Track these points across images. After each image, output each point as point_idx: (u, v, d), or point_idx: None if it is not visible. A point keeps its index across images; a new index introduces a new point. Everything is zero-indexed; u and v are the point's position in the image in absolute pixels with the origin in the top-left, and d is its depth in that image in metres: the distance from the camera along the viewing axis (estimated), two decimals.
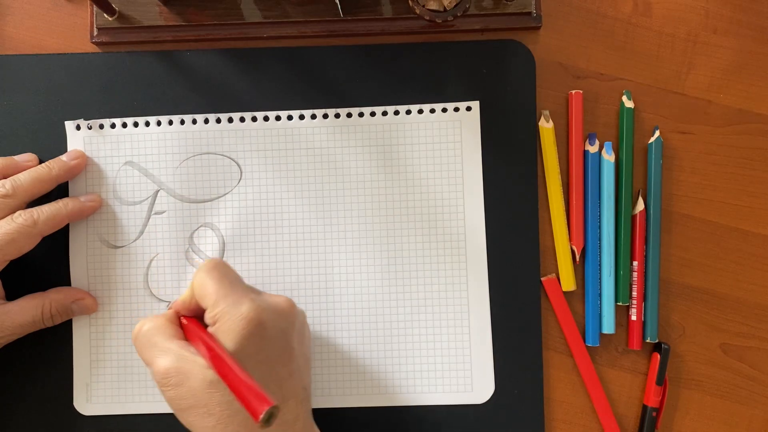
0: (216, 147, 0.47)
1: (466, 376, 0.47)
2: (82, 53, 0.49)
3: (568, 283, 0.47)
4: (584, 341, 0.47)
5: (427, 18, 0.43)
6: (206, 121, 0.47)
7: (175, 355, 0.38)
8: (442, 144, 0.47)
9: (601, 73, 0.49)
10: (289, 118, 0.47)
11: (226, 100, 0.48)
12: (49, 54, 0.49)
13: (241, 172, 0.47)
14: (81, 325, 0.47)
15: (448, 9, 0.43)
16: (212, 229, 0.47)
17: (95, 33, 0.48)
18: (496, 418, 0.46)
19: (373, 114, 0.48)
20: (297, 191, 0.47)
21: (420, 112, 0.48)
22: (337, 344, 0.47)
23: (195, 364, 0.37)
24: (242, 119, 0.47)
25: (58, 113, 0.48)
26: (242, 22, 0.48)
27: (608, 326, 0.47)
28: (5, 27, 0.49)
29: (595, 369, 0.47)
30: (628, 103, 0.48)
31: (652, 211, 0.47)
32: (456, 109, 0.47)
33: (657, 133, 0.48)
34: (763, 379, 0.48)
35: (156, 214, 0.47)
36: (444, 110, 0.47)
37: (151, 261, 0.47)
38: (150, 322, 0.40)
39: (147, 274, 0.47)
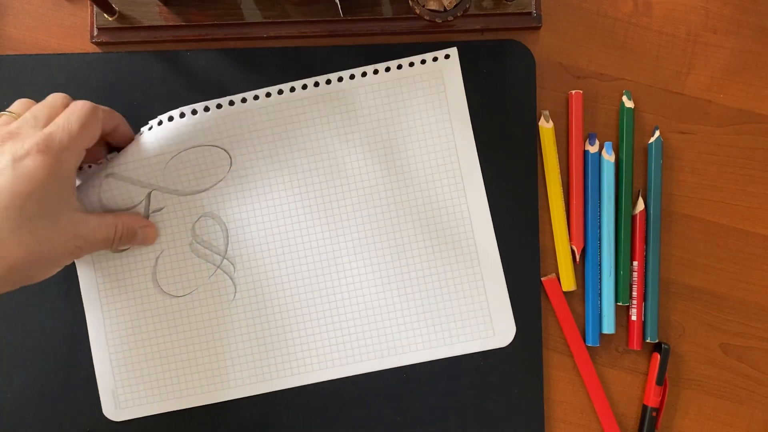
0: (199, 139, 0.46)
1: (486, 321, 0.47)
2: (82, 53, 0.49)
3: (568, 283, 0.47)
4: (584, 341, 0.47)
5: (427, 18, 0.43)
6: (182, 115, 0.45)
7: None
8: (426, 97, 0.47)
9: (601, 73, 0.49)
10: (267, 95, 0.47)
11: None
12: (49, 54, 0.49)
13: (231, 158, 0.47)
14: (96, 333, 0.47)
15: (448, 9, 0.43)
16: (212, 218, 0.47)
17: (95, 33, 0.48)
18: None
19: (352, 77, 0.47)
20: (289, 167, 0.47)
21: (399, 67, 0.47)
22: (346, 311, 0.47)
23: None
24: (219, 106, 0.46)
25: None
26: (242, 22, 0.48)
27: (608, 326, 0.47)
28: (5, 27, 0.49)
29: (595, 369, 0.47)
30: (628, 103, 0.48)
31: (652, 211, 0.47)
32: (435, 59, 0.47)
33: (657, 133, 0.48)
34: (763, 379, 0.48)
35: (154, 212, 0.47)
36: (423, 62, 0.47)
37: (157, 259, 0.47)
38: None
39: (155, 273, 0.47)
